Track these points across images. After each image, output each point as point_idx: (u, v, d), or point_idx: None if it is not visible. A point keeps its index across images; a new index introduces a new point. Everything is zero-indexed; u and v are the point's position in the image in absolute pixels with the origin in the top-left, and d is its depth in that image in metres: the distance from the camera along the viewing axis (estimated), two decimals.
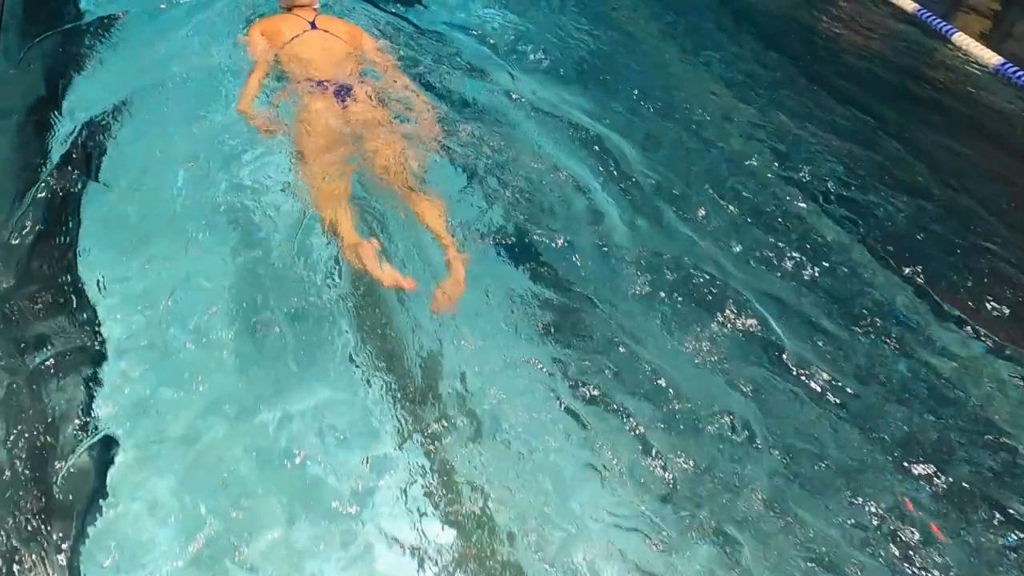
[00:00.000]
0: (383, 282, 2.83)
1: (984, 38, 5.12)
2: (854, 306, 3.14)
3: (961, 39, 5.09)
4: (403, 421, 2.58)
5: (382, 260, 2.87)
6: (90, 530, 2.22)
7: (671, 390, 2.71)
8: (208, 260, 2.98)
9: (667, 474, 2.50)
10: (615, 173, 3.67)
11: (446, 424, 2.58)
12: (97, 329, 2.75)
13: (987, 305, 3.18)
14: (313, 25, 3.80)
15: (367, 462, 2.45)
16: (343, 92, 3.50)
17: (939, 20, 5.29)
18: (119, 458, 2.38)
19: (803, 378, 2.82)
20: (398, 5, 4.77)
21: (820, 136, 4.07)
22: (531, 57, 4.55)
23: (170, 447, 2.42)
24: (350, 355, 2.75)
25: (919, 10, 5.46)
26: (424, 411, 2.63)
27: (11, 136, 3.60)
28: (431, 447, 2.52)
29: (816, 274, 3.24)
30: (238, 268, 2.96)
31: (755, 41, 5.03)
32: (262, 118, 3.43)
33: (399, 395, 2.67)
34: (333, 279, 2.96)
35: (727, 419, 2.65)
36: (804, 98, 4.43)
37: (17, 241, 3.02)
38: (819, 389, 2.79)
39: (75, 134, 3.56)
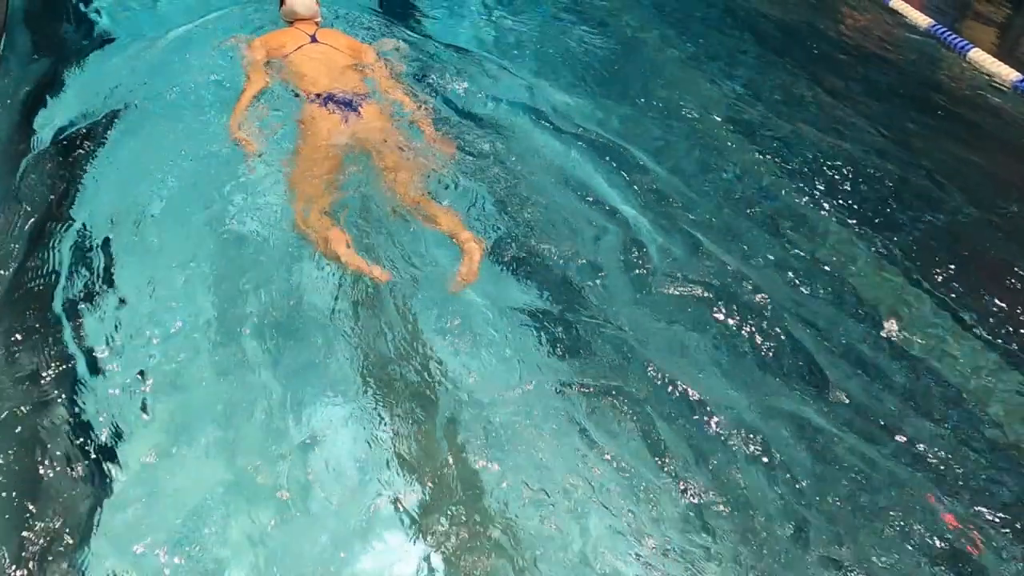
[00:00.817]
0: (351, 266, 2.85)
1: (996, 48, 5.03)
2: (884, 327, 3.02)
3: (978, 56, 4.97)
4: (407, 450, 2.48)
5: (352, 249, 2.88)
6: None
7: (696, 410, 2.63)
8: (201, 278, 2.91)
9: (687, 500, 2.40)
10: (634, 190, 3.56)
11: (452, 451, 2.47)
12: (83, 352, 2.67)
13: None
14: (313, 38, 3.73)
15: (371, 489, 2.36)
16: (344, 105, 3.42)
17: (955, 36, 5.18)
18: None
19: (837, 408, 2.70)
20: (403, 18, 4.70)
21: (844, 152, 3.96)
22: (538, 68, 4.51)
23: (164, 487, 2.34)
24: (354, 380, 2.65)
25: (933, 25, 5.35)
26: (429, 436, 2.52)
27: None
28: (435, 476, 2.41)
29: (839, 291, 3.15)
30: (229, 286, 2.88)
31: (783, 60, 4.93)
32: (245, 134, 3.34)
33: (400, 417, 2.57)
34: (332, 295, 2.88)
35: (753, 444, 2.55)
36: (827, 114, 4.33)
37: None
38: (857, 420, 2.67)
39: (68, 148, 3.51)
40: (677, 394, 2.66)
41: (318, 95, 3.44)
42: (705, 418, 2.61)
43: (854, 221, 3.51)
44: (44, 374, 2.57)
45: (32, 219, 3.16)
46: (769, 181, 3.76)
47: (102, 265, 2.99)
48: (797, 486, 2.44)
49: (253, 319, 2.77)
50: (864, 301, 3.13)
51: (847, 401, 2.72)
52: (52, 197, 3.28)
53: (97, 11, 4.54)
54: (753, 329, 2.91)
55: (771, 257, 3.27)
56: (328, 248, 2.91)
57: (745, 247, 3.32)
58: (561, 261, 3.14)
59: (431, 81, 4.07)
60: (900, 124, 4.31)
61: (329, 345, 2.73)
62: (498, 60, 4.50)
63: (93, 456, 2.38)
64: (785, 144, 4.01)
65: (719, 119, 4.17)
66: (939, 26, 5.32)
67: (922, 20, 5.44)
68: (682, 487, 2.41)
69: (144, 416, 2.48)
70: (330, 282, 2.92)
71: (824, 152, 3.92)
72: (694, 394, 2.66)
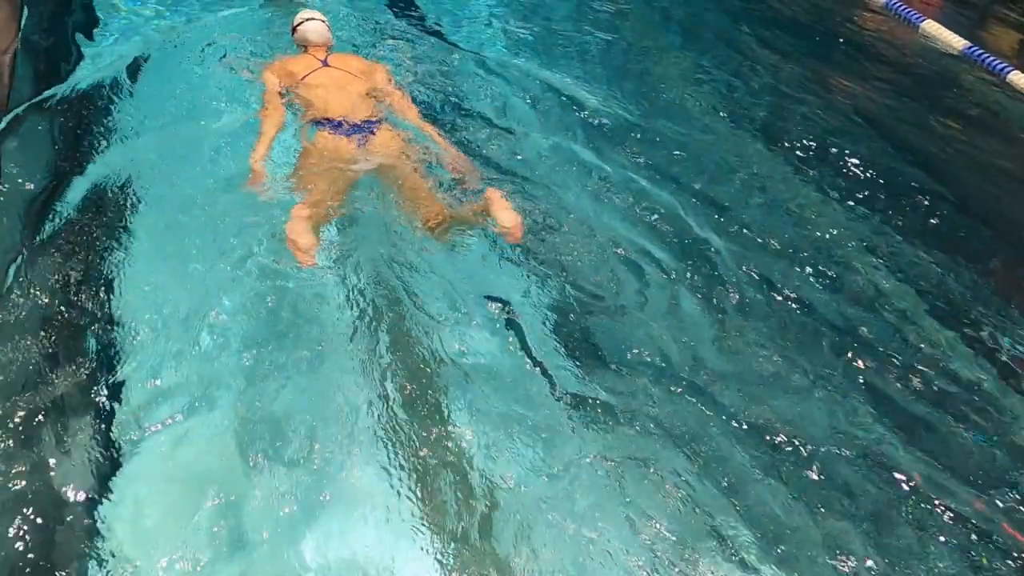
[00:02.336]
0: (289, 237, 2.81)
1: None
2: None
3: (1017, 78, 4.76)
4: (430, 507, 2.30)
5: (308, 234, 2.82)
6: None
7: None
8: (219, 308, 2.78)
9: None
10: (665, 232, 3.37)
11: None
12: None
13: None
14: (325, 63, 3.60)
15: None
16: (358, 130, 3.28)
17: (992, 58, 4.98)
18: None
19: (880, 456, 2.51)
20: (420, 42, 4.58)
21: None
22: (561, 79, 4.40)
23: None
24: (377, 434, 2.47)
25: (969, 47, 5.15)
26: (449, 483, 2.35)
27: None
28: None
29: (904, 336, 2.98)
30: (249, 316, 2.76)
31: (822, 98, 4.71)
32: (262, 166, 3.19)
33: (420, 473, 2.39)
34: (353, 324, 2.75)
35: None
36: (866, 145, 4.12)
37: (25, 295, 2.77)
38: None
39: (88, 177, 3.36)
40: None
41: (329, 120, 3.30)
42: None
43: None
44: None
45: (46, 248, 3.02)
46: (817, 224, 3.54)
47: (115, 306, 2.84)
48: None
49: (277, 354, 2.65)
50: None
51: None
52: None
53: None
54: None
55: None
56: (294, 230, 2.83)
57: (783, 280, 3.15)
58: (595, 312, 2.99)
59: (446, 99, 3.94)
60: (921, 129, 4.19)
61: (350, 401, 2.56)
62: (516, 72, 4.42)
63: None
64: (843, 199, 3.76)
65: (764, 169, 3.95)
66: (975, 48, 5.12)
67: (956, 42, 5.25)
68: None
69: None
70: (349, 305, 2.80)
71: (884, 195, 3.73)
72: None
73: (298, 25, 3.83)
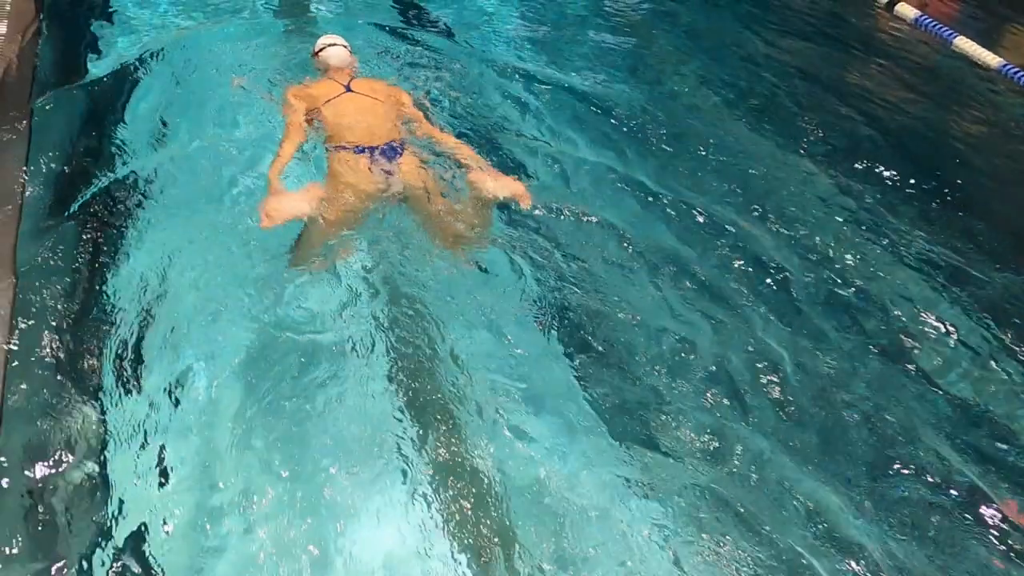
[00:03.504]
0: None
1: None
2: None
3: None
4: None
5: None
6: None
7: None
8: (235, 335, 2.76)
9: None
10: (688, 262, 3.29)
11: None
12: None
13: None
14: (348, 88, 3.53)
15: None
16: (382, 155, 3.22)
17: None
18: None
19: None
20: (438, 56, 4.52)
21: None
22: (583, 116, 4.27)
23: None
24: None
25: (1004, 65, 5.01)
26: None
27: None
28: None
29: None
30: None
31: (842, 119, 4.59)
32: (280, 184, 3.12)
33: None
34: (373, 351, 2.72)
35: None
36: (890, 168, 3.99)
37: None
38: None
39: (100, 197, 3.37)
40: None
41: (353, 145, 3.24)
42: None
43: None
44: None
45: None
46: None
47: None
48: None
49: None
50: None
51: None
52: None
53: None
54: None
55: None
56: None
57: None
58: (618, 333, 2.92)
59: (471, 115, 3.91)
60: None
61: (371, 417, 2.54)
62: (538, 89, 4.38)
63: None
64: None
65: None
66: (1010, 65, 4.97)
67: (991, 59, 5.10)
68: None
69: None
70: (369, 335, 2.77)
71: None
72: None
73: (320, 51, 3.78)
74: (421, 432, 2.51)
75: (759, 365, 2.80)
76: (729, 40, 5.29)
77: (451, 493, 2.37)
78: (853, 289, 3.17)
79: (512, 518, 2.30)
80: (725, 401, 2.67)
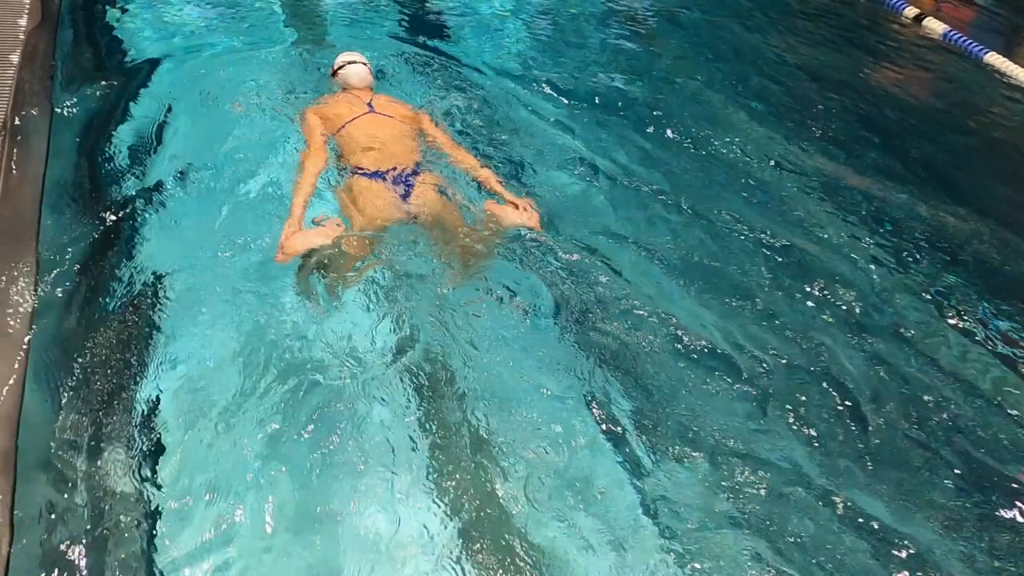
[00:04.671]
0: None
1: None
2: None
3: None
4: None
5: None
6: None
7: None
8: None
9: None
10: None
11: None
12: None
13: None
14: (371, 107, 3.44)
15: None
16: (401, 182, 3.13)
17: None
18: None
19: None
20: (460, 82, 4.42)
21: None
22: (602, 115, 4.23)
23: None
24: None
25: None
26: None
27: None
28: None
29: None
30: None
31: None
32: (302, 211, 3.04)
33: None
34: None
35: None
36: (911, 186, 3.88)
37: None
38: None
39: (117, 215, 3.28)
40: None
41: (371, 170, 3.15)
42: None
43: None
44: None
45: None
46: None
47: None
48: None
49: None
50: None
51: None
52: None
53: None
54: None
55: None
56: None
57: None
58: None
59: (488, 133, 3.82)
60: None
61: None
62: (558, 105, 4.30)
63: None
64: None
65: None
66: None
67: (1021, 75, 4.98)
68: None
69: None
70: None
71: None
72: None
73: (339, 68, 3.70)
74: (438, 474, 2.41)
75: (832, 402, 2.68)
76: (756, 54, 5.18)
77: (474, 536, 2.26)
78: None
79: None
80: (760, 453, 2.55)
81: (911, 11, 5.80)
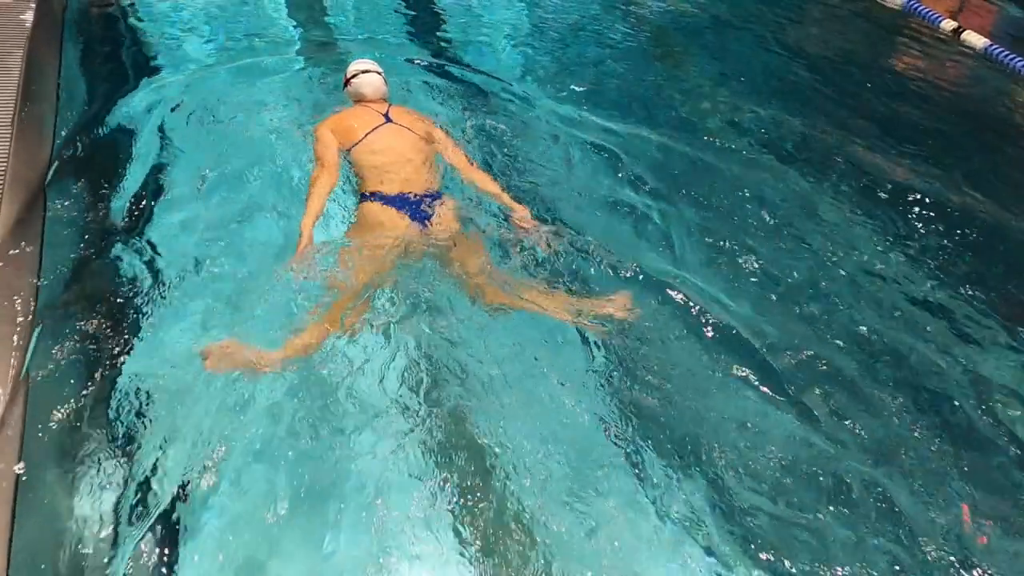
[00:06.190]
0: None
1: None
2: None
3: None
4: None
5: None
6: None
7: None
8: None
9: None
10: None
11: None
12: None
13: None
14: (388, 118, 3.23)
15: None
16: (419, 208, 2.92)
17: None
18: None
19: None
20: (471, 97, 4.23)
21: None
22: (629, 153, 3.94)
23: None
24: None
25: None
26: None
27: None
28: None
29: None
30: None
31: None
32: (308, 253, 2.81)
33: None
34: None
35: None
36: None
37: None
38: None
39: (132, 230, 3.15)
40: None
41: (391, 194, 2.93)
42: None
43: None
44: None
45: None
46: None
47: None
48: None
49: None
50: None
51: None
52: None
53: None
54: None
55: None
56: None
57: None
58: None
59: (500, 150, 3.67)
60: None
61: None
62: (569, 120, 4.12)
63: None
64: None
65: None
66: None
67: None
68: None
69: None
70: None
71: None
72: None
73: (352, 77, 3.47)
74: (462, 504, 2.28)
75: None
76: (780, 75, 4.98)
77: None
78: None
79: None
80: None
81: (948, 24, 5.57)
